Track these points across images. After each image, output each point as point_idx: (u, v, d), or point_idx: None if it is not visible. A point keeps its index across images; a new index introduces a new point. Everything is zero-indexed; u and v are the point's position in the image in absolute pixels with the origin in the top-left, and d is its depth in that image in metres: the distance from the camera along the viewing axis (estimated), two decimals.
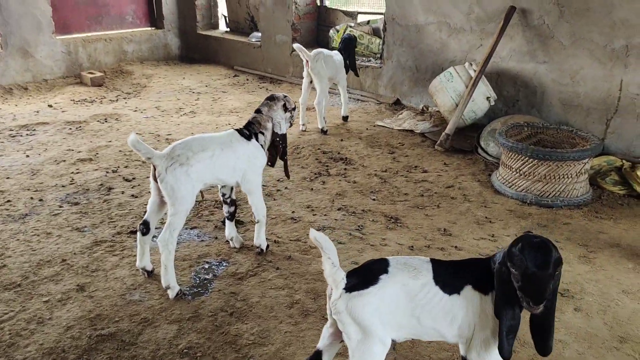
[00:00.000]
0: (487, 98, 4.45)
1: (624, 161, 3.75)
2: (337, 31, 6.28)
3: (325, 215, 3.30)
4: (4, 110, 5.40)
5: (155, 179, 2.45)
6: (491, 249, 2.91)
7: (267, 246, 2.86)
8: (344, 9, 6.56)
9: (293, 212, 3.33)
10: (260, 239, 2.83)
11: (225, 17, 7.85)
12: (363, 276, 1.59)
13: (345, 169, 3.99)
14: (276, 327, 2.29)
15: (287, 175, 2.89)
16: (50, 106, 5.54)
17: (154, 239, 2.57)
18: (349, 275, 1.60)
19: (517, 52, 4.51)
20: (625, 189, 3.61)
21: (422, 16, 5.09)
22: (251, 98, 5.87)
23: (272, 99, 2.79)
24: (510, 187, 3.57)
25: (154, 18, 7.69)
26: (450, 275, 1.60)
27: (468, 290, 1.58)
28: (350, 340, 1.58)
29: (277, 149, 2.77)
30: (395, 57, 5.42)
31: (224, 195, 2.81)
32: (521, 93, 4.56)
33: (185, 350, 2.16)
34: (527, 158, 3.42)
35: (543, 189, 3.44)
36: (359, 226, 3.17)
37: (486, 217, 3.28)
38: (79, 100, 5.78)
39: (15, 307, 2.42)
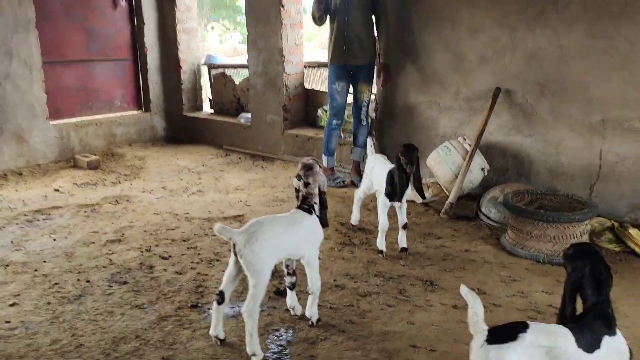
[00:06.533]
0: (482, 169, 4.93)
1: (612, 222, 4.25)
2: (325, 111, 6.74)
3: (365, 281, 3.57)
4: (10, 196, 5.44)
5: (235, 254, 2.68)
6: (525, 304, 3.24)
7: (318, 319, 3.04)
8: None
9: (335, 280, 3.58)
10: (312, 310, 3.03)
11: (210, 99, 8.22)
12: (503, 332, 1.87)
13: (367, 238, 4.29)
14: None
15: (326, 224, 3.06)
16: (56, 190, 5.63)
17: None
18: (491, 330, 1.88)
19: (503, 127, 5.06)
20: (619, 247, 4.07)
21: (413, 96, 5.62)
22: (251, 176, 6.16)
23: (310, 168, 3.01)
24: (522, 249, 3.96)
25: (141, 102, 7.98)
26: (588, 335, 1.90)
27: (606, 340, 1.89)
28: None
29: (323, 204, 3.03)
30: (387, 134, 5.89)
31: (287, 266, 3.05)
32: (510, 163, 5.08)
33: None
34: (537, 221, 3.85)
35: (553, 249, 3.85)
36: (400, 290, 3.44)
37: (509, 277, 3.64)
38: (82, 184, 5.89)
39: None
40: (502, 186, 4.81)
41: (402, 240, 4.04)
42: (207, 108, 8.35)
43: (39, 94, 6.60)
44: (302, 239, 2.86)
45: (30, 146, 6.56)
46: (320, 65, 7.34)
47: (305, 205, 2.96)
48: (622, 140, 4.41)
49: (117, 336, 2.91)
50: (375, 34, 5.52)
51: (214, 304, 2.76)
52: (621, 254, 4.02)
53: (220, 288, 2.76)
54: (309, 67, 7.20)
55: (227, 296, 2.76)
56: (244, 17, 7.12)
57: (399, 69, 5.67)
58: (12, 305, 3.25)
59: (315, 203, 2.99)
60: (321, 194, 3.03)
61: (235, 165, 6.69)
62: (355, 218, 4.48)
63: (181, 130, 8.08)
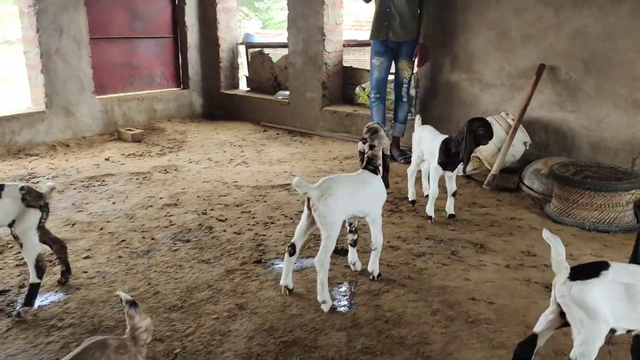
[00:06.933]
0: (524, 143, 5.03)
1: None
2: (364, 89, 6.86)
3: (417, 243, 3.71)
4: (62, 165, 5.66)
5: (309, 208, 2.84)
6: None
7: (379, 274, 3.20)
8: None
9: (388, 242, 3.72)
10: (374, 265, 3.19)
11: (246, 77, 8.38)
12: (586, 270, 1.99)
13: (413, 206, 4.42)
14: (431, 330, 2.65)
15: (388, 185, 3.22)
16: (107, 159, 5.84)
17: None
18: (573, 268, 2.00)
19: (547, 102, 5.14)
20: None
21: (455, 74, 5.71)
22: (291, 150, 6.31)
23: (375, 131, 3.16)
24: (568, 217, 4.06)
25: (180, 79, 8.16)
26: None
27: None
28: (575, 321, 1.96)
29: (386, 167, 3.18)
30: (428, 109, 5.99)
31: (350, 224, 3.20)
32: (552, 138, 5.16)
33: (364, 350, 2.49)
34: (584, 190, 3.95)
35: (599, 217, 3.95)
36: (452, 251, 3.58)
37: None
38: (129, 155, 6.09)
39: (191, 324, 2.70)
40: (544, 159, 4.90)
41: (450, 207, 4.17)
42: (243, 86, 8.50)
43: (87, 69, 6.81)
44: (369, 197, 3.01)
45: (77, 119, 6.77)
46: (359, 44, 7.44)
47: (370, 166, 3.10)
48: None
49: (190, 285, 3.09)
50: (419, 12, 5.59)
51: (286, 255, 2.93)
52: None
53: (292, 240, 2.93)
54: (348, 45, 7.29)
55: (298, 248, 2.93)
56: (262, 3, 7.20)
57: (440, 47, 5.76)
58: (86, 258, 3.45)
59: (380, 165, 3.13)
60: (384, 156, 3.16)
61: (275, 140, 6.85)
62: (411, 194, 4.44)
63: (218, 107, 8.25)
